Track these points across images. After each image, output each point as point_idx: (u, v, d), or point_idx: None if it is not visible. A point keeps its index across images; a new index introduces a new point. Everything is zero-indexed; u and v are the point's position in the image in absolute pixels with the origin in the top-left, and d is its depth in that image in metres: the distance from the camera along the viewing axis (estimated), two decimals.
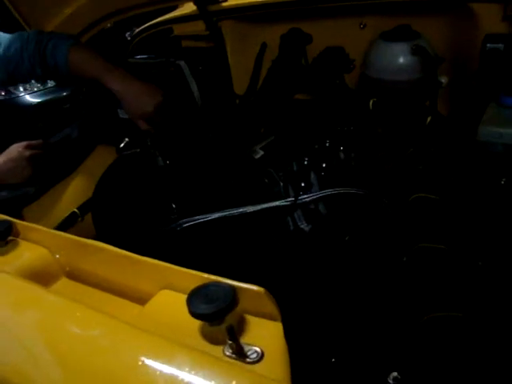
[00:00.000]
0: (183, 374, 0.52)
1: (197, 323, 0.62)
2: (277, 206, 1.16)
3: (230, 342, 0.58)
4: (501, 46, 1.21)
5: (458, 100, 1.38)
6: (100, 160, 1.53)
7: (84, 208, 1.42)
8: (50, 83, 2.38)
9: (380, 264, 1.04)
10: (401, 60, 1.31)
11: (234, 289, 0.61)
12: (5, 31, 1.49)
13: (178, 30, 1.69)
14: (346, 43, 1.51)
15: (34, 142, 1.47)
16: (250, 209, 1.14)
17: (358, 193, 1.17)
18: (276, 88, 1.55)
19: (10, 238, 0.90)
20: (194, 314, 0.60)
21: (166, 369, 0.53)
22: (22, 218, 1.39)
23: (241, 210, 1.14)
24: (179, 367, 0.52)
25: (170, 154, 1.36)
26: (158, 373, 0.52)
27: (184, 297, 0.68)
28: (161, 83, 1.43)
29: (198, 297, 0.61)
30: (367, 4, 1.43)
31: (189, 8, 1.65)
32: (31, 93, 2.42)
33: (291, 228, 1.22)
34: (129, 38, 2.20)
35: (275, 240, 1.20)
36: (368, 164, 1.29)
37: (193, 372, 0.52)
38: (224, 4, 1.58)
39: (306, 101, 1.51)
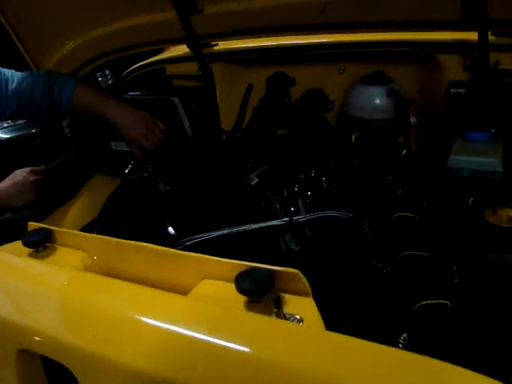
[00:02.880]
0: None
1: (242, 300, 0.79)
2: (273, 226, 1.35)
3: (276, 309, 0.75)
4: (462, 90, 1.48)
5: (424, 137, 1.63)
6: (97, 187, 1.69)
7: (87, 229, 1.56)
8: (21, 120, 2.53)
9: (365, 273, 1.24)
10: (377, 101, 1.55)
11: (272, 271, 0.79)
12: (9, 67, 1.67)
13: (171, 69, 1.90)
14: (326, 86, 1.76)
15: (37, 167, 1.61)
16: (253, 226, 1.32)
17: (342, 216, 1.38)
18: (263, 124, 1.77)
19: (48, 244, 1.05)
20: (242, 290, 0.77)
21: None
22: None
23: (244, 227, 1.31)
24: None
25: (170, 181, 1.54)
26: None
27: (225, 284, 0.85)
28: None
29: (243, 278, 0.79)
30: (345, 52, 1.69)
31: (180, 50, 1.87)
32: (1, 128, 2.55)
33: (283, 248, 1.42)
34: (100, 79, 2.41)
35: (270, 258, 1.38)
36: (350, 192, 1.51)
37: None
38: (215, 48, 1.81)
39: (292, 135, 1.73)
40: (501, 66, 1.41)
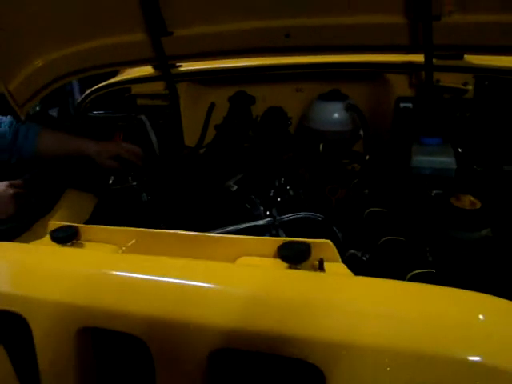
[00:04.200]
0: None
1: (283, 267, 0.95)
2: (259, 226, 1.51)
3: (320, 270, 0.92)
4: (410, 104, 1.75)
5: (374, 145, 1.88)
6: (72, 201, 1.76)
7: None
8: None
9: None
10: (336, 115, 1.79)
11: (307, 242, 0.96)
12: None
13: (135, 89, 2.03)
14: (285, 104, 1.98)
15: (15, 181, 1.66)
16: (240, 226, 1.47)
17: (316, 218, 1.58)
18: (229, 139, 1.95)
19: (75, 240, 1.14)
20: (285, 256, 0.94)
21: None
22: None
23: (232, 228, 1.46)
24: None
25: (151, 190, 1.66)
26: None
27: (262, 258, 1.01)
28: (127, 133, 1.76)
29: (284, 248, 0.96)
30: (302, 72, 1.92)
31: (143, 70, 2.01)
32: None
33: None
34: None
35: None
36: (318, 196, 1.71)
37: None
38: (181, 68, 1.97)
39: (259, 147, 1.91)
40: (441, 84, 1.70)
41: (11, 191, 1.62)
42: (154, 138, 1.89)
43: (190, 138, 2.03)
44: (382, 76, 1.81)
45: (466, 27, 1.53)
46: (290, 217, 1.53)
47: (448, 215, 1.28)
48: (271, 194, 1.64)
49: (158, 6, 1.70)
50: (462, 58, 1.69)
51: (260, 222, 1.50)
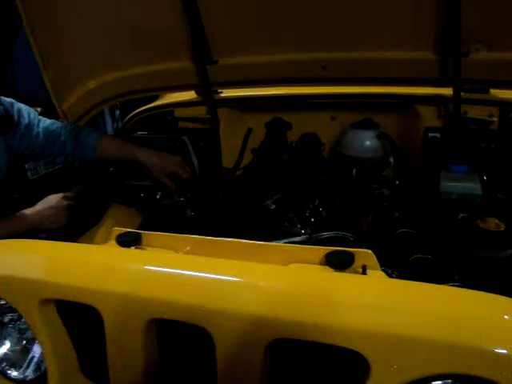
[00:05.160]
0: None
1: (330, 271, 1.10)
2: (295, 242, 1.65)
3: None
4: (438, 134, 1.90)
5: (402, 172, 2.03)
6: (117, 215, 1.92)
7: None
8: None
9: None
10: (368, 143, 1.94)
11: (351, 251, 1.11)
12: None
13: (177, 112, 2.21)
14: (319, 131, 2.14)
15: (68, 193, 1.84)
16: (281, 242, 1.61)
17: (348, 237, 1.72)
18: (266, 162, 2.11)
19: (137, 245, 1.30)
20: (332, 263, 1.08)
21: None
22: None
23: (273, 243, 1.61)
24: None
25: (195, 207, 1.82)
26: None
27: (311, 265, 1.15)
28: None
29: (331, 255, 1.10)
30: (336, 102, 2.08)
31: (187, 95, 2.20)
32: None
33: None
34: None
35: None
36: (349, 218, 1.86)
37: None
38: (222, 95, 2.15)
39: (295, 170, 2.07)
40: (468, 115, 1.85)
41: (65, 203, 1.79)
42: (194, 158, 2.05)
43: (228, 161, 2.19)
44: (412, 107, 1.96)
45: (491, 64, 1.69)
46: (324, 235, 1.67)
47: (474, 236, 1.42)
48: (307, 214, 1.79)
49: (204, 37, 1.89)
50: (487, 91, 1.84)
51: (297, 239, 1.64)
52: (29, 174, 3.43)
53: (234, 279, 1.02)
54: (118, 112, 4.44)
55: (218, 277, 1.04)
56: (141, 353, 1.08)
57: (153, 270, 1.10)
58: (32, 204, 1.83)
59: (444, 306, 0.89)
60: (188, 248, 1.26)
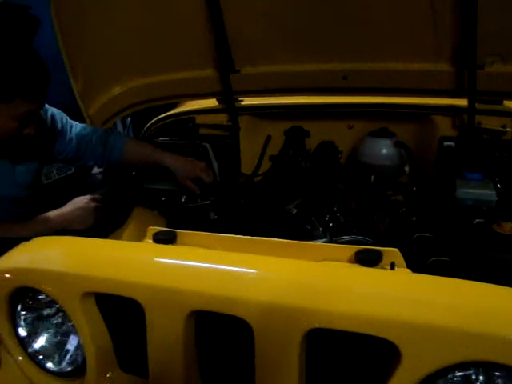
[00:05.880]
0: None
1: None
2: None
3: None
4: (452, 144, 2.00)
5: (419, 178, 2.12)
6: (140, 217, 2.01)
7: None
8: None
9: None
10: (385, 151, 2.04)
11: (380, 249, 1.19)
12: None
13: (198, 119, 2.31)
14: (336, 139, 2.24)
15: (95, 196, 1.93)
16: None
17: (367, 242, 1.80)
18: (284, 168, 2.21)
19: (172, 243, 1.39)
20: (362, 260, 1.17)
21: None
22: None
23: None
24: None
25: (218, 210, 1.91)
26: None
27: (341, 263, 1.23)
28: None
29: (360, 253, 1.19)
30: (354, 111, 2.18)
31: (209, 102, 2.30)
32: None
33: None
34: None
35: None
36: (366, 223, 1.95)
37: None
38: (243, 103, 2.25)
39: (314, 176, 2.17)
40: (482, 126, 1.95)
41: (92, 205, 1.88)
42: (215, 164, 2.14)
43: (246, 167, 2.29)
44: (427, 117, 2.06)
45: (505, 76, 1.79)
46: (344, 239, 1.76)
47: (491, 240, 1.51)
48: (326, 219, 1.87)
49: (228, 47, 1.99)
50: (501, 103, 1.94)
51: (319, 242, 1.73)
52: (43, 178, 3.53)
53: (272, 273, 1.11)
54: (128, 119, 4.53)
55: (256, 271, 1.12)
56: (181, 345, 1.15)
57: (193, 265, 1.18)
58: (47, 207, 1.92)
59: (471, 298, 0.98)
60: (222, 246, 1.34)
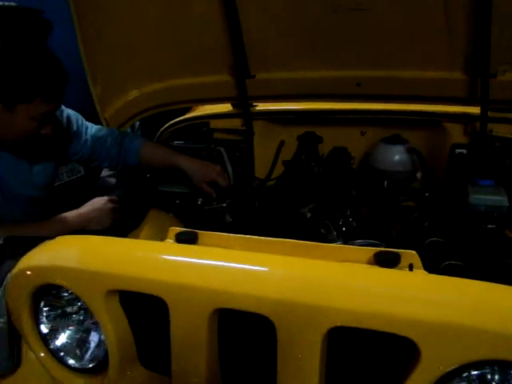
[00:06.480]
0: None
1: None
2: None
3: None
4: (464, 151, 2.05)
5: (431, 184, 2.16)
6: (156, 219, 2.05)
7: None
8: None
9: None
10: (398, 157, 2.09)
11: (398, 251, 1.24)
12: None
13: (213, 124, 2.37)
14: (349, 145, 2.29)
15: (113, 197, 1.98)
16: None
17: (379, 246, 1.85)
18: (297, 173, 2.26)
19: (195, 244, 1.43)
20: (381, 262, 1.21)
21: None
22: None
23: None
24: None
25: (235, 213, 1.96)
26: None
27: (360, 264, 1.28)
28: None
29: (379, 255, 1.23)
30: (366, 118, 2.23)
31: (223, 107, 2.35)
32: None
33: None
34: None
35: None
36: (378, 227, 1.99)
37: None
38: (257, 108, 2.30)
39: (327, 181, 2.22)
40: (493, 133, 1.99)
41: (110, 206, 1.92)
42: (229, 168, 2.20)
43: (260, 171, 2.34)
44: (439, 124, 2.11)
45: None
46: (358, 243, 1.81)
47: (504, 245, 1.56)
48: (340, 223, 1.92)
49: (244, 53, 2.04)
50: None
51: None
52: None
53: (294, 272, 1.16)
54: (137, 123, 4.57)
55: (279, 270, 1.17)
56: (204, 343, 1.20)
57: (216, 264, 1.22)
58: (59, 209, 1.96)
59: (488, 299, 1.02)
60: (242, 247, 1.39)
